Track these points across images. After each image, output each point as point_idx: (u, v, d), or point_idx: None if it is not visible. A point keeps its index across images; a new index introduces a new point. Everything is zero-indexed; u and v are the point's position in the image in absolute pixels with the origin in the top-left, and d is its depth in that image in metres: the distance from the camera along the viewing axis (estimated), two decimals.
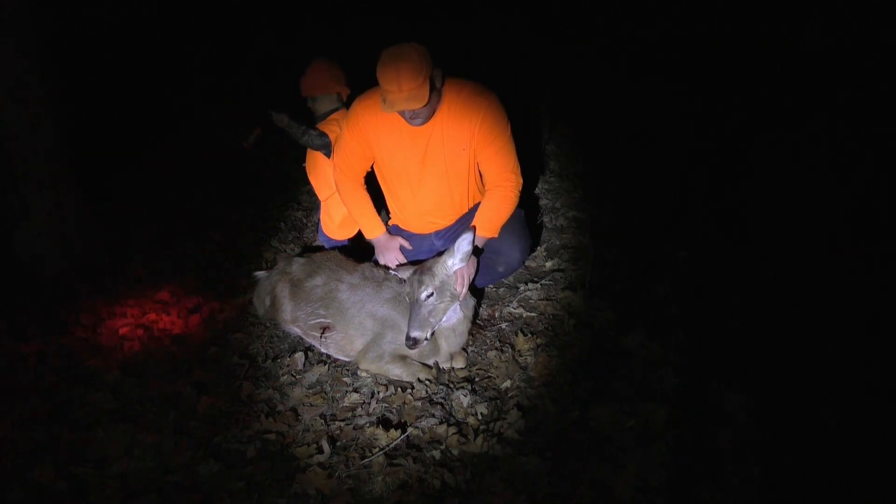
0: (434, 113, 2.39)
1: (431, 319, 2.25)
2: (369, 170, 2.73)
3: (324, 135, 2.92)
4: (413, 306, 2.24)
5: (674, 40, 5.42)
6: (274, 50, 6.39)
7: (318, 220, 3.30)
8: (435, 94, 2.30)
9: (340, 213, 3.14)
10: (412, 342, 2.20)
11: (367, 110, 2.47)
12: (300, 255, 2.99)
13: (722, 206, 3.41)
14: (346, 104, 2.91)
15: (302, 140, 2.91)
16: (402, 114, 2.35)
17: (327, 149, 2.96)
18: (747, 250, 2.93)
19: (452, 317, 2.35)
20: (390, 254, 2.73)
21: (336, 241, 3.21)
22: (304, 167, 3.26)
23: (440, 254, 2.42)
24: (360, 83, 2.59)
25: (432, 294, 2.23)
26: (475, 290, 2.54)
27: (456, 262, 2.28)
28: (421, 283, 2.23)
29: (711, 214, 3.33)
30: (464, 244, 2.26)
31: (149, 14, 6.10)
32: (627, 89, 5.32)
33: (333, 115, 3.03)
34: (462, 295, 2.34)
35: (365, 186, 2.75)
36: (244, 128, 3.04)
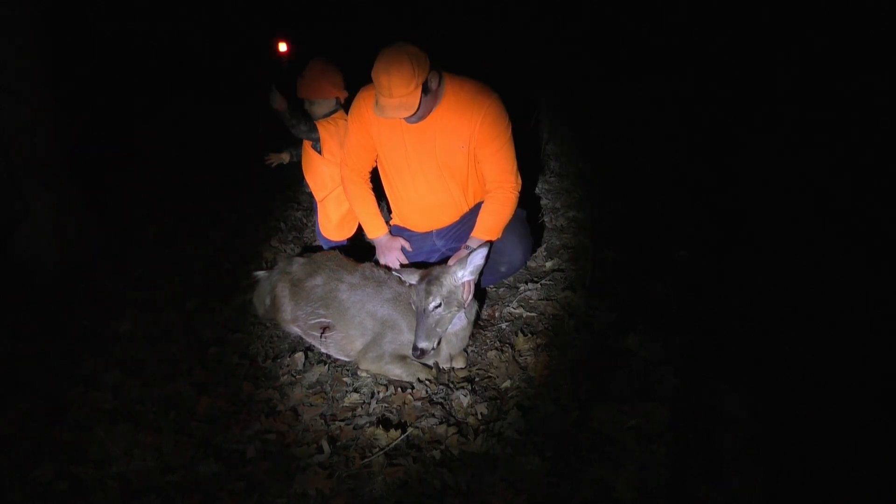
0: (428, 112, 2.40)
1: (438, 329, 2.25)
2: (374, 165, 2.73)
3: (314, 129, 2.96)
4: (420, 316, 2.23)
5: (674, 40, 5.42)
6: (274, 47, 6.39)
7: (316, 220, 3.30)
8: (430, 95, 2.32)
9: (338, 213, 3.14)
10: (419, 352, 2.20)
11: (368, 101, 2.47)
12: (300, 255, 2.99)
13: (722, 205, 3.41)
14: (345, 106, 2.93)
15: (293, 130, 2.98)
16: None
17: (316, 142, 3.00)
18: (747, 250, 2.93)
19: (457, 324, 2.35)
20: (391, 254, 2.73)
21: (334, 241, 3.21)
22: (302, 167, 3.26)
23: (444, 260, 2.42)
24: (359, 84, 2.60)
25: (440, 305, 2.21)
26: (478, 292, 2.54)
27: (466, 275, 2.28)
28: (429, 293, 2.20)
29: (711, 214, 3.33)
30: (477, 258, 2.26)
31: (149, 12, 6.10)
32: (627, 89, 5.32)
33: (333, 115, 3.03)
34: (467, 302, 2.34)
35: (370, 185, 2.76)
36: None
